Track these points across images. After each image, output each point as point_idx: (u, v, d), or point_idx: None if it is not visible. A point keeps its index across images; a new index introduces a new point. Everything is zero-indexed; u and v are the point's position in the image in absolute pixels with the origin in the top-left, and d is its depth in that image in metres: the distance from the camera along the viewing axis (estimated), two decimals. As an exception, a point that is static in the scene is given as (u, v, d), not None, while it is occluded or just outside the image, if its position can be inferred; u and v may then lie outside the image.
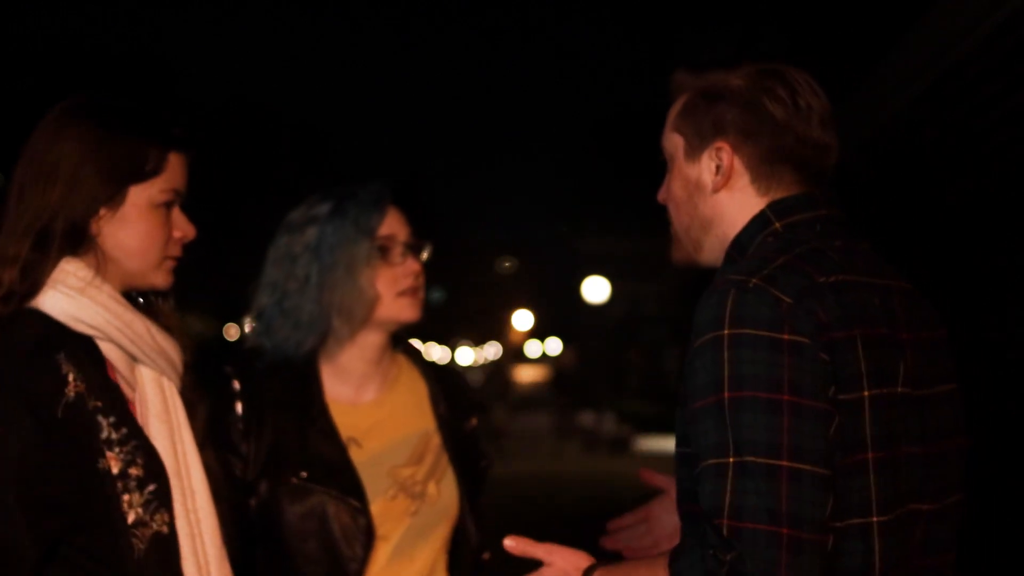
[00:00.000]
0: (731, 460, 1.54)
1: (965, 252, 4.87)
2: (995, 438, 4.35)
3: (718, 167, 1.79)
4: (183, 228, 2.01)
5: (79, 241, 1.91)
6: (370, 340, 2.50)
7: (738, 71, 1.80)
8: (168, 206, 1.98)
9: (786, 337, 1.57)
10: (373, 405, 2.52)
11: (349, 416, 2.47)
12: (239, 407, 2.42)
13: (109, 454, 1.83)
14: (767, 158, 1.77)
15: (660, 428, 23.36)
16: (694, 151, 1.82)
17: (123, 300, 1.94)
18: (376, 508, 2.39)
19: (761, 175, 1.78)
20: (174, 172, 1.97)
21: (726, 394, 1.56)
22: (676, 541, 1.74)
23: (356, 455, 2.43)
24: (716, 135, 1.79)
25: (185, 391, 2.05)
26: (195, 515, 1.95)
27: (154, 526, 1.86)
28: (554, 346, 42.22)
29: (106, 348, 1.92)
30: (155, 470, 1.89)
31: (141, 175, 1.93)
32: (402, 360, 2.61)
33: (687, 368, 1.65)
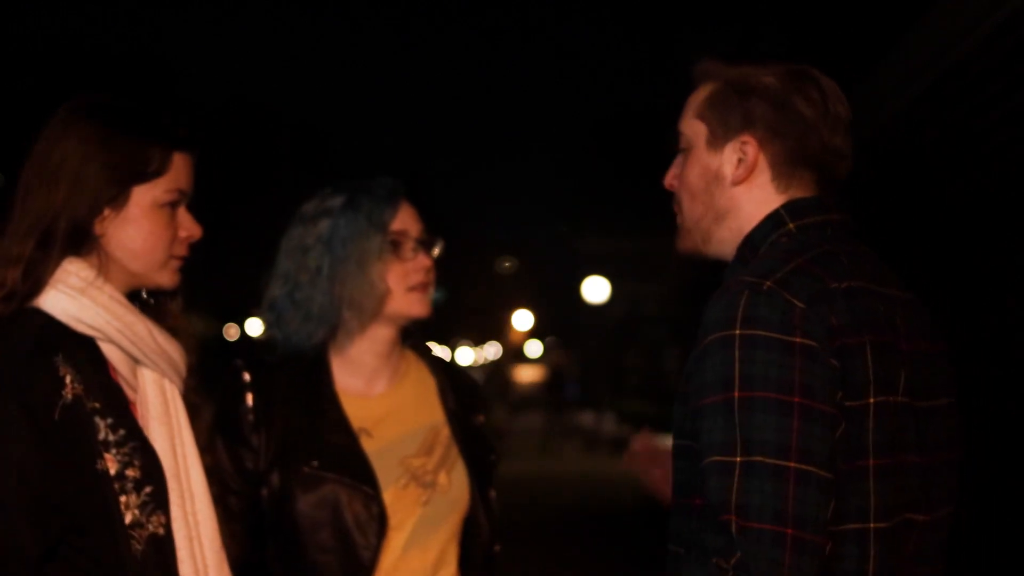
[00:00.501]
0: (738, 459, 1.55)
1: (965, 252, 4.87)
2: (995, 438, 4.35)
3: (740, 160, 1.79)
4: (189, 228, 2.01)
5: (82, 241, 1.91)
6: (380, 334, 2.51)
7: (770, 68, 1.80)
8: (173, 206, 1.98)
9: (797, 340, 1.58)
10: (383, 397, 2.53)
11: (360, 407, 2.48)
12: (249, 399, 2.43)
13: (107, 455, 1.83)
14: (790, 158, 1.78)
15: (660, 428, 23.31)
16: (718, 141, 1.81)
17: (125, 301, 1.94)
18: (388, 497, 2.40)
19: (782, 174, 1.78)
20: (178, 172, 1.98)
21: (736, 393, 1.57)
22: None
23: (367, 444, 2.44)
24: (744, 128, 1.79)
25: (188, 394, 2.05)
26: (194, 518, 1.95)
27: (151, 528, 1.86)
28: (550, 345, 42.20)
29: (107, 349, 1.92)
30: (153, 472, 1.89)
31: (145, 175, 1.94)
32: (411, 355, 2.62)
33: (693, 364, 1.66)
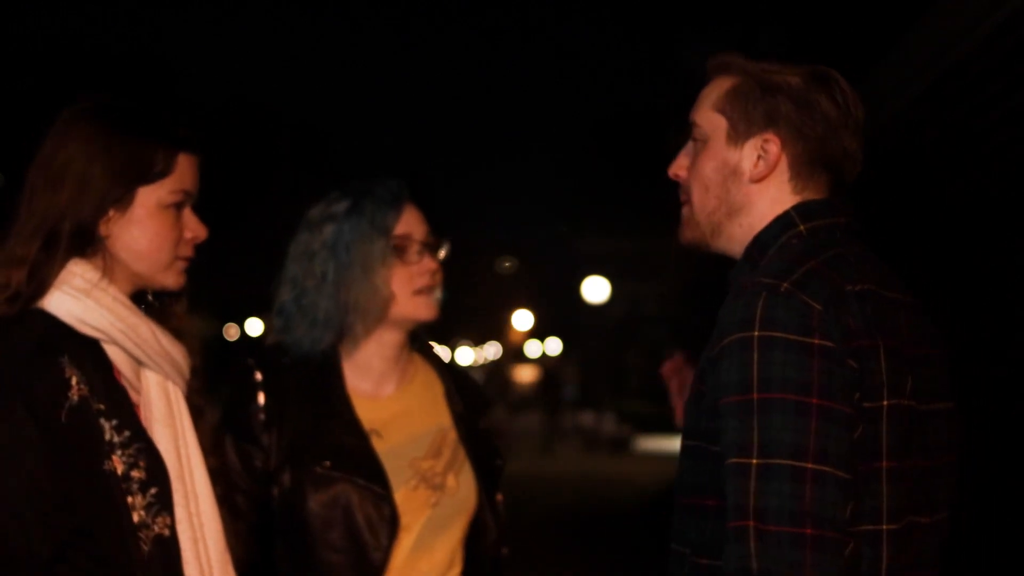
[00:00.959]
0: (755, 461, 1.55)
1: (965, 252, 4.87)
2: (995, 439, 4.35)
3: (760, 157, 1.79)
4: (194, 229, 2.01)
5: (87, 242, 1.92)
6: (387, 337, 2.52)
7: (793, 68, 1.80)
8: (179, 207, 1.99)
9: (816, 342, 1.58)
10: (392, 399, 2.54)
11: (370, 409, 2.49)
12: (261, 398, 2.44)
13: (113, 456, 1.84)
14: (810, 159, 1.78)
15: (660, 428, 23.35)
16: (739, 136, 1.80)
17: (129, 303, 1.95)
18: (398, 498, 2.41)
19: (800, 175, 1.79)
20: (183, 173, 1.98)
21: (755, 395, 1.57)
22: None
23: (378, 445, 2.45)
24: (768, 126, 1.78)
25: (192, 396, 2.05)
26: (198, 519, 1.95)
27: (156, 528, 1.87)
28: (553, 346, 42.21)
29: (111, 351, 1.92)
30: (157, 473, 1.89)
31: (150, 176, 1.94)
32: (418, 358, 2.64)
33: (709, 365, 1.66)
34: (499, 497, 2.61)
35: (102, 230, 1.93)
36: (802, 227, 1.76)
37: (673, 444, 1.76)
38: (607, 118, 32.52)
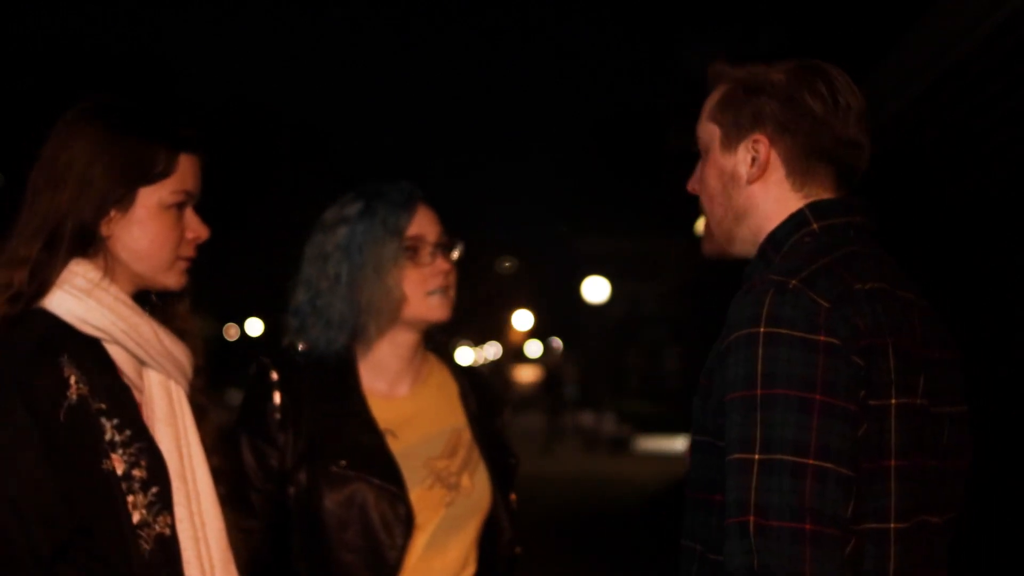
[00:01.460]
0: (757, 457, 1.56)
1: (965, 252, 4.87)
2: (995, 439, 4.35)
3: (754, 159, 1.80)
4: (196, 229, 2.01)
5: (89, 243, 1.92)
6: (402, 338, 2.54)
7: (779, 65, 1.81)
8: (180, 207, 1.99)
9: (822, 339, 1.59)
10: (407, 399, 2.56)
11: (385, 409, 2.51)
12: (277, 397, 2.45)
13: (113, 456, 1.84)
14: (803, 153, 1.79)
15: (660, 428, 23.35)
16: (731, 142, 1.83)
17: (131, 302, 1.95)
18: (413, 497, 2.42)
19: (796, 170, 1.79)
20: (185, 174, 1.98)
21: (759, 391, 1.58)
22: None
23: (393, 445, 2.46)
24: (754, 127, 1.80)
25: (194, 395, 2.05)
26: (200, 518, 1.95)
27: (157, 528, 1.87)
28: (553, 346, 42.22)
29: (113, 351, 1.93)
30: (159, 472, 1.90)
31: (151, 177, 1.94)
32: (433, 358, 2.65)
33: (716, 361, 1.67)
34: (513, 496, 2.62)
35: (103, 230, 1.93)
36: (815, 225, 1.76)
37: (673, 444, 1.76)
38: (607, 118, 32.54)
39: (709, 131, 1.86)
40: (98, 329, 1.90)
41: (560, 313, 40.09)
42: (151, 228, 1.95)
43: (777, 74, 1.80)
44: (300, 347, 2.52)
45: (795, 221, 1.78)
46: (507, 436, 2.70)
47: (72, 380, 1.83)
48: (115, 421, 1.86)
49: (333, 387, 2.49)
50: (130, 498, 1.84)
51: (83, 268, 1.91)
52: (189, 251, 2.02)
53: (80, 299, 1.89)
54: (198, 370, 2.06)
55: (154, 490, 1.87)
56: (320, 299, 2.50)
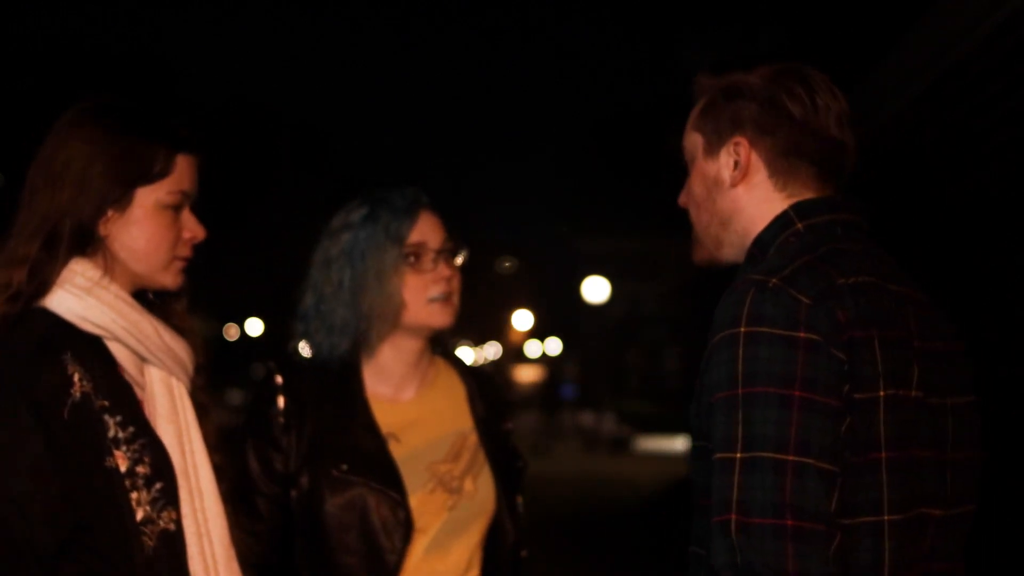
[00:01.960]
0: (738, 455, 1.57)
1: (965, 252, 4.87)
2: (995, 440, 4.35)
3: (736, 162, 1.81)
4: (192, 229, 2.02)
5: (87, 242, 1.93)
6: (405, 343, 2.55)
7: (757, 70, 1.83)
8: (177, 207, 2.00)
9: (801, 335, 1.59)
10: (412, 403, 2.57)
11: (389, 413, 2.52)
12: (281, 401, 2.47)
13: (116, 452, 1.85)
14: (784, 153, 1.80)
15: (660, 428, 23.37)
16: (713, 148, 1.84)
17: (131, 300, 1.96)
18: (415, 501, 2.44)
19: (778, 170, 1.80)
20: (182, 174, 1.99)
21: (740, 390, 1.59)
22: None
23: (395, 450, 2.48)
24: (734, 131, 1.82)
25: (196, 392, 2.07)
26: (203, 515, 1.96)
27: (161, 523, 1.88)
28: (554, 346, 42.24)
29: (114, 348, 1.93)
30: (162, 468, 1.91)
31: (149, 177, 1.95)
32: (440, 362, 2.66)
33: (704, 364, 1.68)
34: (519, 499, 2.63)
35: (102, 230, 1.94)
36: (800, 225, 1.77)
37: (673, 444, 1.77)
38: (607, 118, 32.52)
39: (693, 140, 1.88)
40: (99, 327, 1.91)
41: (560, 313, 40.11)
42: (148, 228, 1.96)
43: (755, 78, 1.82)
44: (305, 351, 2.54)
45: (780, 223, 1.79)
46: (514, 439, 2.71)
47: (76, 378, 1.84)
48: (118, 418, 1.87)
49: (336, 391, 2.50)
50: (133, 495, 1.85)
51: (83, 267, 1.91)
52: (186, 251, 2.02)
53: (80, 297, 1.90)
54: (199, 368, 2.07)
55: (158, 486, 1.88)
56: (324, 304, 2.52)
